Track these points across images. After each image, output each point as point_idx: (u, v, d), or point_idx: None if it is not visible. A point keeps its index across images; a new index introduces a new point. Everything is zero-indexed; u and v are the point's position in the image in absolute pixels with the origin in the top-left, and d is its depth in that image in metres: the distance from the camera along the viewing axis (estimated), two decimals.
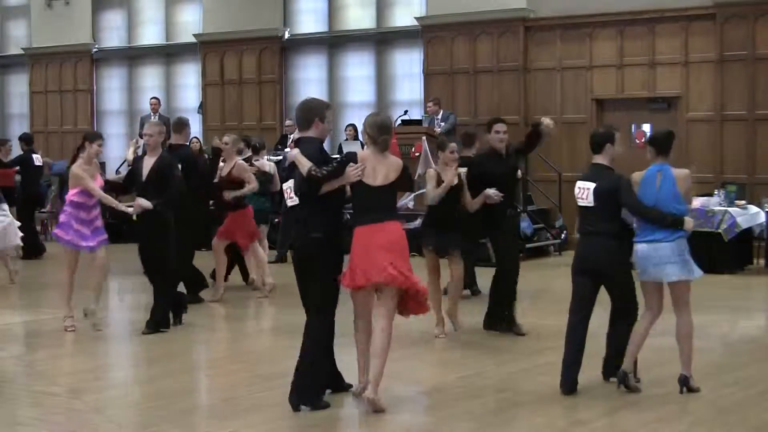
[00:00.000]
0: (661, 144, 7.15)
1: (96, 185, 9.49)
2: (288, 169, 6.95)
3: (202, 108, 20.36)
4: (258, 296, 11.64)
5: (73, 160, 9.60)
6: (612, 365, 7.32)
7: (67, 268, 9.66)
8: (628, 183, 7.13)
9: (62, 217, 9.61)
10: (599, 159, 7.28)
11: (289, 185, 6.87)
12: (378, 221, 6.68)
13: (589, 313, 7.26)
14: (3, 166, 15.77)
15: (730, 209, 13.52)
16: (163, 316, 9.55)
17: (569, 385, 7.09)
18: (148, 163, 9.42)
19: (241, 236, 11.39)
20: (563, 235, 16.13)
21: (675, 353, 7.18)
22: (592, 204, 7.15)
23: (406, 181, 7.08)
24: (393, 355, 7.24)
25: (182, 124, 11.07)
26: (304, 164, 6.64)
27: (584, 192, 7.18)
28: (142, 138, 10.63)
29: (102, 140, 9.70)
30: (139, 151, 11.00)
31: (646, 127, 16.12)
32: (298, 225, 6.80)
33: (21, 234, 13.28)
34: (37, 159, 16.20)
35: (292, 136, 15.08)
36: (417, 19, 18.11)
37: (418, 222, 14.62)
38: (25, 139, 16.61)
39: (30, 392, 7.40)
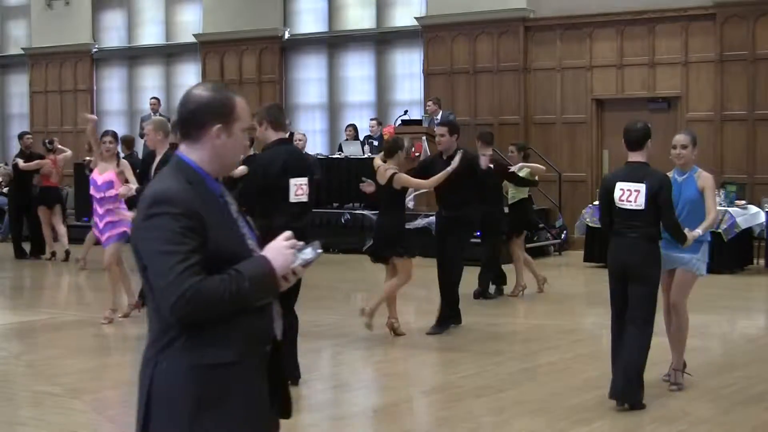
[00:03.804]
0: None
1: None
2: None
3: None
4: None
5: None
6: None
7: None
8: (670, 184, 6.64)
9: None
10: (639, 157, 6.60)
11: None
12: None
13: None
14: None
15: (730, 209, 13.50)
16: None
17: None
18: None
19: None
20: (563, 235, 16.12)
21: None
22: (642, 207, 6.49)
23: None
24: (393, 355, 7.25)
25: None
26: None
27: (632, 194, 6.51)
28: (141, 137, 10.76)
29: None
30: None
31: None
32: None
33: None
34: None
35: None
36: (417, 19, 18.10)
37: (418, 221, 14.67)
38: None
39: (30, 392, 7.39)
